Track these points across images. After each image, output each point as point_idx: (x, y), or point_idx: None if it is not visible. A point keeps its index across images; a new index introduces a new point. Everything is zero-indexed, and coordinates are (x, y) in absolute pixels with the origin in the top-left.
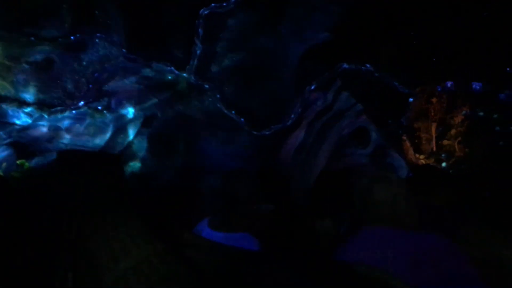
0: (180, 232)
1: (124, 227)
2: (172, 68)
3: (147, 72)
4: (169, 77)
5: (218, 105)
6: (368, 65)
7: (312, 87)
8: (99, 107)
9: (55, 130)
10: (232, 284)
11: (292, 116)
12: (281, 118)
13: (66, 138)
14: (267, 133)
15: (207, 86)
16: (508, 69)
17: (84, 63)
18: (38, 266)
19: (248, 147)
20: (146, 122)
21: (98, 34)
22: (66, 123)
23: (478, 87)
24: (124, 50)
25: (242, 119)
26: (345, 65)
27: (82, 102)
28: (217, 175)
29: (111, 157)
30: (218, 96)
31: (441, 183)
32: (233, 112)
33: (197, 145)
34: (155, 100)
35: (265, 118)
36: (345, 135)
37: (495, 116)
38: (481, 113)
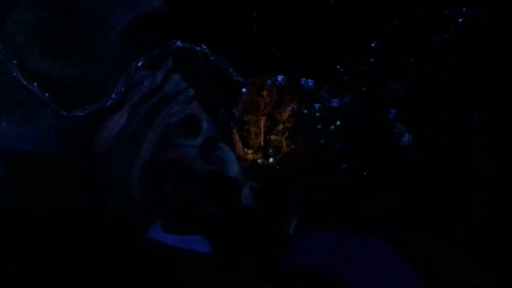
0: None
1: None
2: None
3: None
4: None
5: (15, 73)
6: (204, 46)
7: (139, 64)
8: None
9: None
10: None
11: (113, 96)
12: (99, 97)
13: None
14: (80, 114)
15: None
16: (338, 66)
17: None
18: None
19: (54, 129)
20: None
21: None
22: None
23: (305, 84)
24: None
25: (47, 94)
26: (179, 43)
27: None
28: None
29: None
30: (14, 62)
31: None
32: (35, 84)
33: None
34: None
35: (78, 95)
36: (173, 123)
37: (317, 114)
38: (306, 111)
